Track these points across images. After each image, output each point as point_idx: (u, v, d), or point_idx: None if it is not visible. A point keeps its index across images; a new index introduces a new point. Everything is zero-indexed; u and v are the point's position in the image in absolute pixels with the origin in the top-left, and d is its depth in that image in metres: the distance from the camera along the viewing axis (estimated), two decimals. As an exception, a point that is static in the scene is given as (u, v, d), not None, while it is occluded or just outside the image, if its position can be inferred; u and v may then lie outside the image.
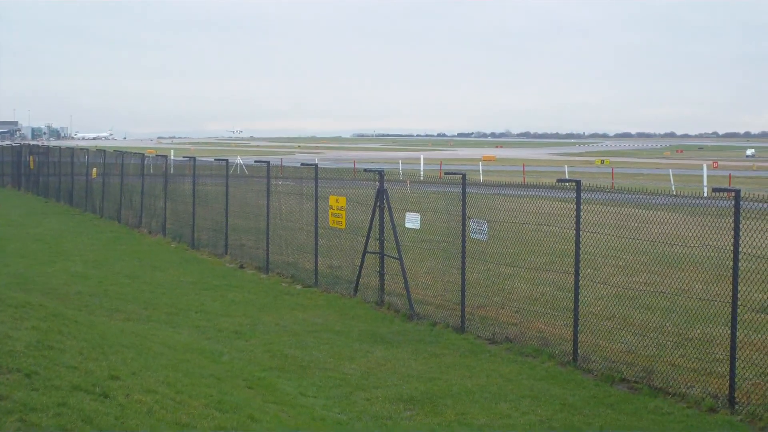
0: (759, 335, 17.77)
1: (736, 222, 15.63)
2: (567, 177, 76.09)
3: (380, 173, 24.90)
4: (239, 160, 66.23)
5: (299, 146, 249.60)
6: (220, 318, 22.75)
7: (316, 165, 29.60)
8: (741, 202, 15.73)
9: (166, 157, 44.24)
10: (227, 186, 34.60)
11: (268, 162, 31.95)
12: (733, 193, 15.87)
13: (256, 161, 38.49)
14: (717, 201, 17.48)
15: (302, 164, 32.32)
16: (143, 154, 46.39)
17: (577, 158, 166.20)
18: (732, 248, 15.75)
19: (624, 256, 23.48)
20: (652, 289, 20.95)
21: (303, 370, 17.87)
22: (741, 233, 15.69)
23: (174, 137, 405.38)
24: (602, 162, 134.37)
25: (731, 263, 15.76)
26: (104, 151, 51.86)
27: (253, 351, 19.38)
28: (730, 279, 15.77)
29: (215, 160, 38.91)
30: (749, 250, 16.22)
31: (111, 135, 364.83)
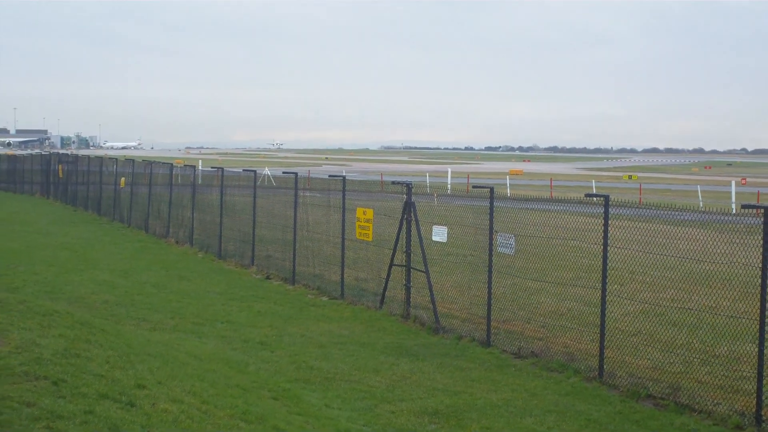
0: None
1: (766, 239, 15.54)
2: (594, 192, 75.95)
3: (408, 186, 24.91)
4: (267, 171, 66.40)
5: (326, 158, 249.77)
6: (246, 328, 22.79)
7: (343, 177, 29.64)
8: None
9: (194, 167, 44.42)
10: (255, 197, 34.67)
11: (296, 173, 32.01)
12: (762, 210, 15.79)
13: (284, 172, 38.61)
14: (745, 218, 17.42)
15: (330, 176, 32.37)
16: (171, 164, 46.57)
17: (604, 173, 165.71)
18: (760, 265, 15.66)
19: (651, 272, 23.41)
20: (679, 306, 20.85)
21: (328, 382, 17.87)
22: (769, 250, 15.59)
23: (202, 147, 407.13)
24: (630, 177, 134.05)
25: (759, 280, 15.67)
26: (133, 160, 52.10)
27: (279, 362, 19.41)
28: (758, 296, 15.68)
29: (243, 170, 39.01)
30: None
31: (139, 144, 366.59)
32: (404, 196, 24.84)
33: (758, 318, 15.67)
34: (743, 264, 16.50)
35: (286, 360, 19.63)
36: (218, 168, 40.66)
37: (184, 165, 48.45)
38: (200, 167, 50.96)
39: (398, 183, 25.75)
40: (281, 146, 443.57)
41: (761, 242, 15.68)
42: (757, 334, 15.70)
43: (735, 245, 17.05)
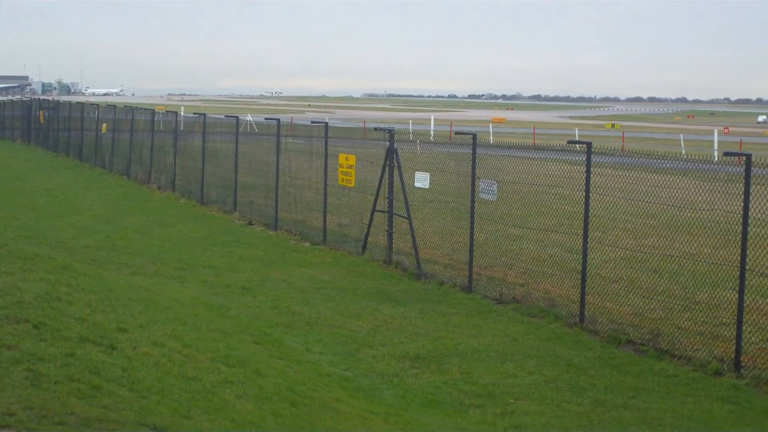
0: (766, 300, 17.73)
1: (747, 187, 15.55)
2: (577, 139, 75.91)
3: (391, 132, 24.84)
4: (249, 117, 66.08)
5: (309, 105, 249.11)
6: (227, 274, 22.79)
7: (326, 123, 29.53)
8: (752, 167, 15.64)
9: (176, 113, 44.19)
10: (237, 143, 34.56)
11: (278, 120, 31.91)
12: (743, 158, 15.80)
13: (266, 119, 38.45)
14: (727, 167, 17.45)
15: (312, 122, 32.27)
16: (153, 110, 46.32)
17: (587, 122, 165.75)
18: (741, 213, 15.69)
19: (633, 220, 23.43)
20: (660, 253, 20.92)
21: (309, 327, 17.91)
22: (751, 198, 15.60)
23: (185, 94, 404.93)
24: (613, 126, 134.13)
25: (740, 228, 15.70)
26: (114, 106, 51.80)
27: (260, 307, 19.44)
28: (739, 244, 15.73)
29: (225, 117, 38.86)
30: (759, 215, 16.17)
31: (121, 91, 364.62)
32: (387, 142, 24.77)
33: (738, 265, 15.73)
34: (724, 211, 16.52)
35: (267, 305, 19.65)
36: (200, 114, 40.47)
37: (166, 111, 48.15)
38: (182, 113, 50.73)
39: (381, 129, 25.70)
40: (280, 94, 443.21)
41: (742, 190, 15.68)
42: (737, 281, 15.76)
43: (716, 193, 17.07)
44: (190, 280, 21.75)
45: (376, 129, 26.43)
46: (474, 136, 22.22)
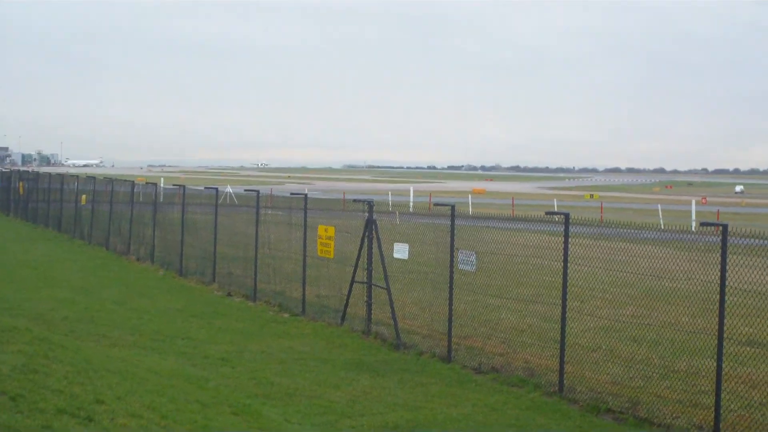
0: (744, 368, 17.77)
1: (723, 256, 15.66)
2: (556, 210, 76.27)
3: (369, 204, 24.93)
4: (229, 189, 66.21)
5: (289, 176, 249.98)
6: (206, 345, 22.71)
7: (305, 195, 29.65)
8: (728, 237, 15.77)
9: (155, 185, 44.25)
10: (216, 214, 34.61)
11: (258, 191, 31.98)
12: (720, 228, 15.93)
13: (245, 190, 38.55)
14: (705, 236, 17.57)
15: (292, 194, 32.38)
16: (133, 182, 46.41)
17: (566, 192, 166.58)
18: (719, 282, 15.78)
19: (611, 290, 23.51)
20: (639, 322, 20.98)
21: (289, 398, 17.82)
22: (728, 268, 15.71)
23: (164, 165, 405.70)
24: (591, 196, 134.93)
25: (718, 297, 15.79)
26: (94, 177, 51.86)
27: (239, 378, 19.34)
28: (717, 312, 15.80)
29: (205, 188, 38.93)
30: (736, 284, 16.27)
31: (101, 162, 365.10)
32: (366, 213, 24.86)
33: (716, 333, 15.79)
34: (702, 281, 16.60)
35: (246, 376, 19.57)
36: (180, 186, 40.54)
37: (147, 183, 48.25)
38: (162, 185, 50.79)
39: (360, 201, 25.77)
40: (267, 165, 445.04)
41: (719, 260, 15.80)
42: (716, 350, 15.81)
43: (694, 262, 17.16)
44: (168, 351, 21.64)
45: (355, 201, 26.51)
46: (452, 207, 22.32)
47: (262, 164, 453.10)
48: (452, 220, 22.06)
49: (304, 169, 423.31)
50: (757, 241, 17.56)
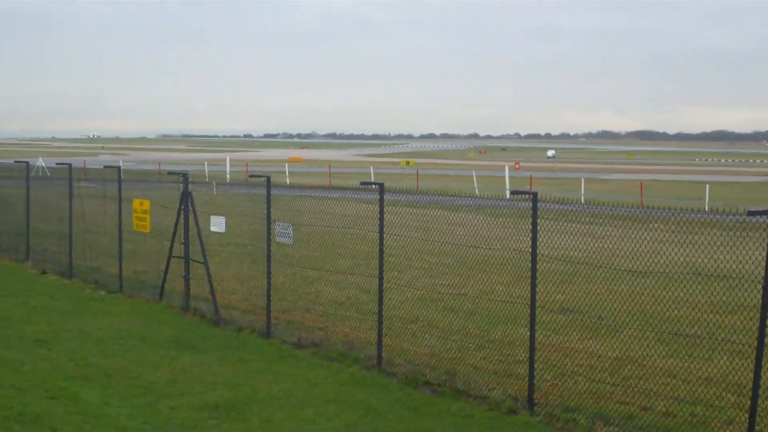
0: (557, 336, 18.25)
1: (534, 225, 15.86)
2: (372, 178, 76.89)
3: (185, 176, 24.53)
4: (41, 161, 64.45)
5: (103, 147, 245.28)
6: (21, 326, 22.05)
7: (119, 167, 29.05)
8: (538, 204, 16.01)
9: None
10: (28, 188, 33.66)
11: (70, 164, 31.20)
12: (531, 195, 16.16)
13: (57, 163, 37.58)
14: (517, 203, 17.86)
15: (105, 166, 31.71)
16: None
17: (383, 159, 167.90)
18: (530, 250, 16.02)
19: (429, 258, 23.78)
20: (455, 292, 21.24)
21: (107, 379, 17.45)
22: (539, 235, 15.97)
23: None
24: (407, 163, 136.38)
25: (530, 264, 16.03)
26: None
27: (56, 359, 18.86)
28: (530, 280, 16.06)
29: (15, 161, 37.79)
30: (548, 252, 16.61)
31: None
32: (181, 185, 24.48)
33: (530, 302, 16.06)
34: (516, 249, 16.86)
35: (63, 357, 19.09)
36: (-13, 159, 39.24)
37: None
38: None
39: (175, 173, 25.36)
40: (99, 137, 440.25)
41: (530, 226, 16.03)
42: (529, 319, 16.10)
43: (508, 230, 17.42)
44: (-22, 334, 20.96)
45: (170, 173, 26.09)
46: (268, 178, 22.12)
47: (93, 135, 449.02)
48: (268, 192, 21.86)
49: (117, 139, 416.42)
50: (566, 206, 17.97)
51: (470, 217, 19.16)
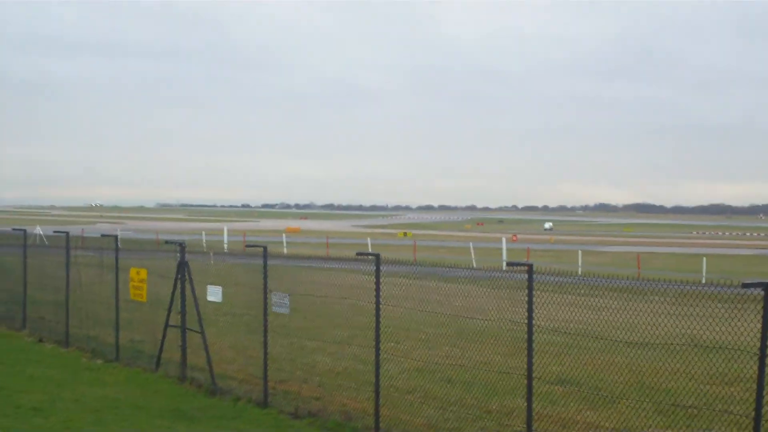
0: (555, 408, 18.18)
1: (530, 295, 15.89)
2: (370, 249, 76.97)
3: (181, 245, 24.57)
4: (38, 229, 64.55)
5: (101, 216, 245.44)
6: (17, 394, 21.96)
7: (116, 236, 29.10)
8: (534, 275, 16.04)
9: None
10: (25, 256, 33.69)
11: (68, 232, 31.26)
12: (526, 267, 16.19)
13: (55, 231, 37.65)
14: (514, 274, 17.88)
15: (103, 235, 31.76)
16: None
17: (380, 230, 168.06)
18: (526, 321, 16.01)
19: (426, 329, 23.76)
20: (453, 362, 21.19)
21: (102, 449, 17.39)
22: (535, 306, 15.97)
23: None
24: (405, 234, 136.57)
25: (526, 335, 16.01)
26: None
27: (52, 428, 18.76)
28: (526, 351, 16.03)
29: (13, 229, 37.86)
30: (545, 323, 16.60)
31: None
32: (178, 255, 24.51)
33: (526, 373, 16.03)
34: (512, 320, 16.87)
35: (59, 426, 18.99)
36: (-16, 227, 39.34)
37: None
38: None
39: (171, 242, 25.39)
40: (101, 206, 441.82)
41: (526, 297, 16.05)
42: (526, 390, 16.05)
43: (504, 301, 17.45)
44: (-26, 403, 20.86)
45: (167, 242, 26.12)
46: (264, 248, 22.16)
47: (96, 204, 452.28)
48: (265, 261, 21.89)
49: (116, 208, 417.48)
50: (562, 278, 17.98)
51: (467, 288, 19.19)
